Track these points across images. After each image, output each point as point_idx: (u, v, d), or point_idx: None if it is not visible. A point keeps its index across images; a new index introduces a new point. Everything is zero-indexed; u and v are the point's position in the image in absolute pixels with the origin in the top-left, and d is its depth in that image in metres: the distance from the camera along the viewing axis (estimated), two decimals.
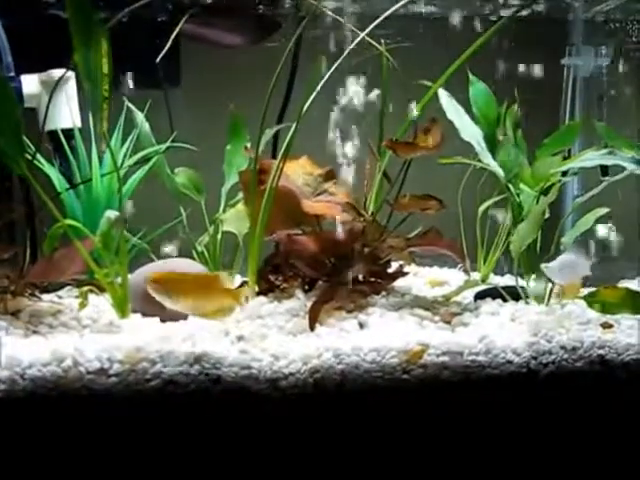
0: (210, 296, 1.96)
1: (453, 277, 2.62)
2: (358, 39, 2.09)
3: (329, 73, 2.06)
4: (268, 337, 1.85)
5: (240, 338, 1.84)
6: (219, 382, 1.72)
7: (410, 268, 2.55)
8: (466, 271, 2.39)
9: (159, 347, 1.74)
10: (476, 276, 2.64)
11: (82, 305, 2.01)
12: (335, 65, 2.05)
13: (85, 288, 2.02)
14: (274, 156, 2.56)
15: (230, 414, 1.73)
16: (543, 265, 2.10)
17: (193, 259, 2.36)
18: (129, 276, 2.10)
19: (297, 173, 2.17)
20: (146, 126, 2.42)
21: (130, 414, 1.69)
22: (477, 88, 2.45)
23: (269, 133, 2.39)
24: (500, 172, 2.19)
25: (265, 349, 1.77)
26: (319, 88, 2.09)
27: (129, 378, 1.69)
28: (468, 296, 2.31)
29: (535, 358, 1.86)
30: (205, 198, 2.54)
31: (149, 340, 1.78)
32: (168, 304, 1.93)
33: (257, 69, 2.14)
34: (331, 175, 2.17)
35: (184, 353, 1.73)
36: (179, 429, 1.71)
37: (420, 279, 2.58)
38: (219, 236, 2.48)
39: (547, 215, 2.33)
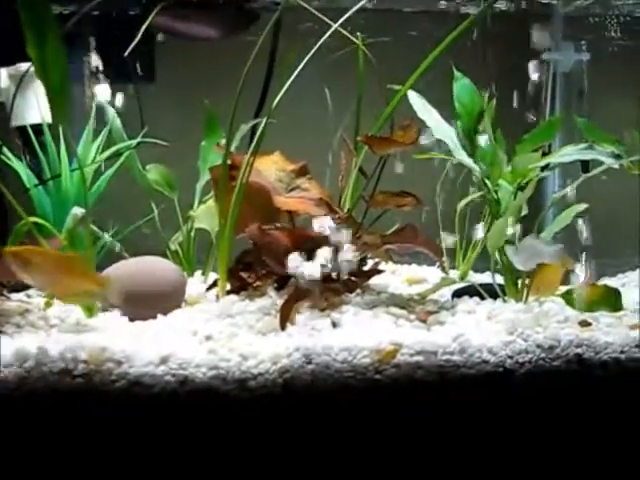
0: (71, 278, 1.86)
1: (431, 275, 2.58)
2: (330, 31, 2.04)
3: (301, 66, 2.00)
4: (237, 336, 1.80)
5: (208, 337, 1.80)
6: (186, 383, 1.67)
7: (387, 266, 2.52)
8: (444, 269, 2.34)
9: (125, 347, 1.70)
10: (455, 274, 2.60)
11: (48, 304, 1.97)
12: (307, 57, 2.00)
13: None
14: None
15: (198, 416, 1.69)
16: (507, 247, 2.05)
17: (166, 257, 2.31)
18: None
19: (270, 169, 2.12)
20: (117, 121, 2.38)
21: (95, 416, 1.65)
22: (461, 84, 2.41)
23: (244, 128, 2.36)
24: (476, 168, 2.15)
25: (233, 349, 1.73)
26: (290, 81, 2.03)
27: (94, 379, 1.65)
28: (446, 294, 2.27)
29: (511, 357, 1.82)
30: (181, 195, 2.50)
31: (115, 340, 1.74)
32: (27, 280, 1.86)
33: (236, 63, 2.08)
34: (304, 171, 2.13)
35: (150, 353, 1.69)
36: (145, 431, 1.67)
37: (397, 277, 2.54)
38: (192, 234, 2.44)
39: (525, 212, 2.29)
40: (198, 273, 2.49)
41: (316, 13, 2.22)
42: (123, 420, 1.66)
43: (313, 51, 2.01)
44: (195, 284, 2.34)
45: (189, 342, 1.79)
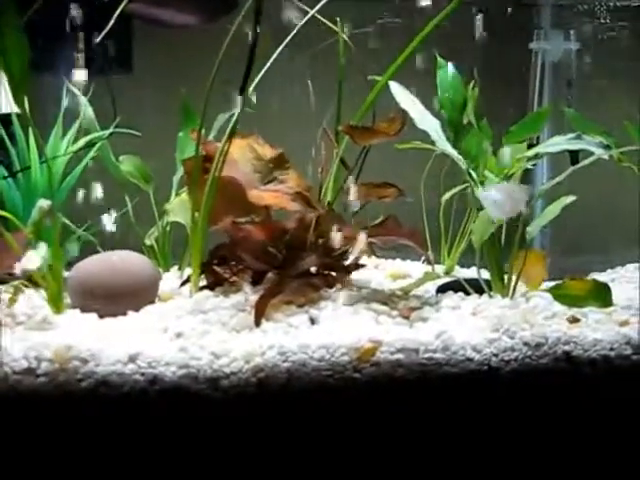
0: None
1: (416, 270, 2.50)
2: (307, 17, 1.96)
3: (276, 54, 1.93)
4: (209, 334, 1.73)
5: (179, 335, 1.73)
6: (155, 382, 1.61)
7: (371, 260, 2.44)
8: (429, 263, 2.27)
9: (91, 345, 1.64)
10: (440, 268, 2.53)
11: (12, 301, 1.89)
12: (283, 44, 1.92)
13: (15, 282, 1.89)
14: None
15: (168, 416, 1.63)
16: (480, 192, 1.96)
17: (142, 252, 2.23)
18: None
19: (246, 158, 2.04)
20: (90, 111, 2.29)
21: (60, 417, 1.59)
22: (445, 72, 2.35)
23: (222, 118, 2.28)
24: (460, 159, 2.07)
25: (205, 346, 1.66)
26: (266, 69, 1.95)
27: (59, 378, 1.59)
28: (431, 289, 2.20)
29: (496, 355, 1.75)
30: (160, 188, 2.42)
31: (81, 337, 1.68)
32: None
33: (218, 51, 2.01)
34: (282, 160, 2.04)
35: (118, 351, 1.63)
36: (113, 433, 1.61)
37: (381, 272, 2.46)
38: (168, 228, 2.36)
39: None
40: (175, 268, 2.40)
41: (295, 1, 2.14)
42: (90, 421, 1.60)
43: (289, 38, 1.93)
44: (171, 279, 2.26)
45: (159, 339, 1.72)
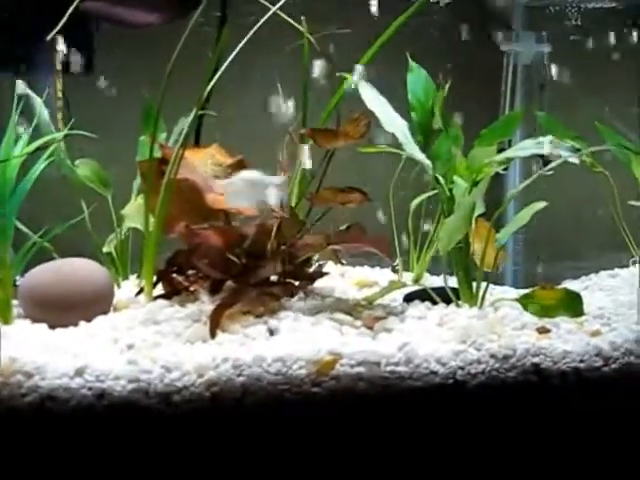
0: None
1: (384, 277, 2.43)
2: (268, 14, 1.89)
3: (235, 52, 1.86)
4: (161, 346, 1.65)
5: (130, 347, 1.65)
6: (103, 397, 1.53)
7: (336, 268, 2.37)
8: (395, 270, 2.20)
9: (37, 357, 1.57)
10: (410, 275, 2.46)
11: None
12: (243, 42, 1.85)
13: None
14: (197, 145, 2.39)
15: (117, 432, 1.55)
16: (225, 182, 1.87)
17: (99, 260, 2.14)
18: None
19: (205, 163, 1.96)
20: (45, 113, 2.21)
21: (2, 433, 1.51)
22: (416, 75, 2.29)
23: (183, 121, 2.21)
24: (428, 164, 2.00)
25: (156, 359, 1.57)
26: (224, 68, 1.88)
27: (2, 392, 1.51)
28: (398, 298, 2.12)
29: (462, 368, 1.68)
30: (122, 193, 2.33)
31: (28, 349, 1.61)
32: None
33: (184, 51, 1.93)
34: (242, 165, 1.97)
35: (64, 364, 1.55)
36: (59, 450, 1.53)
37: (347, 280, 2.38)
38: (127, 234, 2.28)
39: (482, 210, 2.15)
40: (134, 276, 2.32)
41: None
42: (34, 438, 1.52)
43: (249, 35, 1.86)
44: (129, 288, 2.18)
45: (108, 352, 1.65)
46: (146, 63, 2.56)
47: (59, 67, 2.41)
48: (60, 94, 2.39)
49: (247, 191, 1.80)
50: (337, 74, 2.13)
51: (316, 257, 2.15)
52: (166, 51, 2.31)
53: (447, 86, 2.24)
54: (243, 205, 1.83)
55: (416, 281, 2.40)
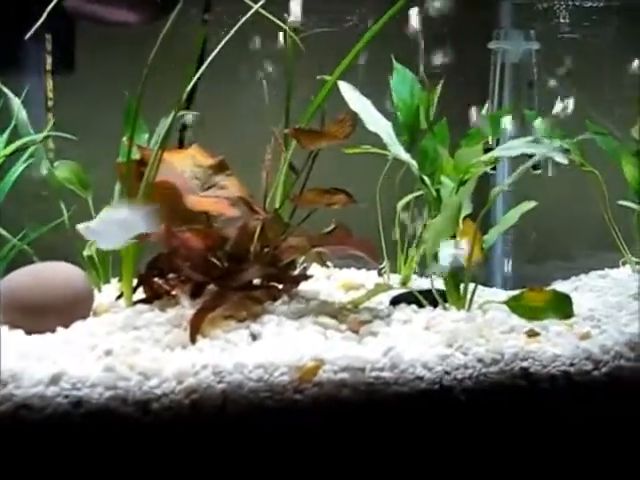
0: None
1: (371, 279, 2.39)
2: (250, 12, 1.85)
3: (215, 51, 1.82)
4: (140, 352, 1.60)
5: (108, 353, 1.60)
6: (80, 405, 1.49)
7: (322, 270, 2.33)
8: (381, 273, 2.16)
9: (12, 365, 1.52)
10: (397, 277, 2.42)
11: None
12: (223, 42, 1.80)
13: None
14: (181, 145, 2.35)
15: (94, 442, 1.50)
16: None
17: (79, 263, 2.10)
18: None
19: (185, 165, 1.92)
20: (23, 114, 2.17)
21: None
22: (401, 75, 2.27)
23: (165, 122, 2.16)
24: (413, 164, 1.96)
25: (134, 366, 1.53)
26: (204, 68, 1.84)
27: None
28: (384, 301, 2.08)
29: (449, 373, 1.63)
30: (106, 195, 2.29)
31: (2, 357, 1.55)
32: None
33: (169, 51, 1.89)
34: (223, 166, 1.92)
35: (40, 372, 1.50)
36: (34, 460, 1.48)
37: (333, 282, 2.34)
38: None
39: (469, 210, 2.12)
40: (116, 280, 2.27)
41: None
42: (9, 448, 1.47)
43: (230, 35, 1.81)
44: (110, 292, 2.13)
45: (85, 358, 1.60)
46: (135, 63, 2.53)
47: (48, 67, 2.37)
48: (50, 94, 2.34)
49: (115, 231, 1.73)
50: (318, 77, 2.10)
51: (301, 259, 2.10)
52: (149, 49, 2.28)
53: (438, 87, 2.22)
54: (115, 246, 1.77)
55: (403, 283, 2.36)
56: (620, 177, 2.57)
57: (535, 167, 2.48)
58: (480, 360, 1.66)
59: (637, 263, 2.58)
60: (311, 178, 2.05)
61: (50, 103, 2.41)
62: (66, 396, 1.49)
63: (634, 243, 2.57)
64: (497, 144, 2.42)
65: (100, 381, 1.51)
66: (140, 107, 1.90)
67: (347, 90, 1.99)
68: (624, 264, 2.65)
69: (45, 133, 2.19)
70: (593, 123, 2.46)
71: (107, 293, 2.12)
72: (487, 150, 2.16)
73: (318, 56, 2.14)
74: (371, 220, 2.43)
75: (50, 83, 2.43)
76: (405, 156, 1.96)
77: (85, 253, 2.24)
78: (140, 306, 1.87)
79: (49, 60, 2.48)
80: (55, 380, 1.50)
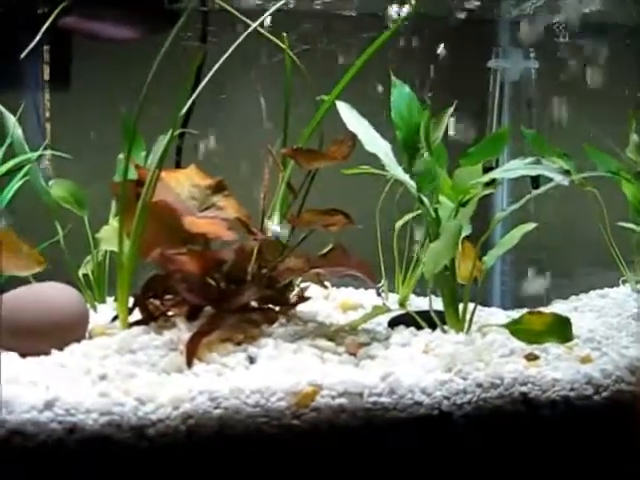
0: None
1: (369, 299, 2.37)
2: (248, 30, 1.84)
3: (216, 67, 1.80)
4: (136, 376, 1.58)
5: (103, 377, 1.58)
6: (75, 431, 1.46)
7: (320, 290, 2.31)
8: (379, 294, 2.14)
9: (4, 390, 1.49)
10: (394, 297, 2.40)
11: None
12: (222, 59, 1.79)
13: None
14: (178, 166, 2.34)
15: (88, 468, 1.47)
16: None
17: (74, 283, 2.08)
18: None
19: (182, 185, 1.90)
20: (18, 131, 2.15)
21: None
22: (400, 92, 2.25)
23: (162, 140, 2.14)
24: (411, 184, 1.95)
25: (129, 391, 1.51)
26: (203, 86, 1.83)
27: None
28: (382, 322, 2.06)
29: (448, 398, 1.61)
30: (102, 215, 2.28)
31: None
32: None
33: (169, 67, 1.88)
34: (221, 187, 1.90)
35: (33, 397, 1.48)
36: None
37: (331, 303, 2.32)
38: (104, 256, 2.22)
39: (469, 231, 2.10)
40: (112, 299, 2.26)
41: (237, 14, 2.02)
42: (2, 475, 1.44)
43: (229, 52, 1.80)
44: (106, 312, 2.11)
45: (79, 383, 1.57)
46: (137, 79, 2.52)
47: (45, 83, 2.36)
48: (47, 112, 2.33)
49: None
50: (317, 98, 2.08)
51: (299, 279, 2.08)
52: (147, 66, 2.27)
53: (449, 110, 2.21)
54: None
55: (401, 304, 2.35)
56: (619, 193, 2.56)
57: (535, 185, 2.46)
58: (479, 385, 1.64)
59: (637, 282, 2.56)
60: (309, 198, 2.04)
61: (46, 121, 2.39)
62: (60, 422, 1.46)
63: (633, 264, 2.55)
64: (497, 164, 2.40)
65: (95, 407, 1.48)
66: (137, 125, 1.88)
67: (345, 110, 1.98)
68: (624, 282, 2.64)
69: (39, 152, 2.17)
70: (591, 147, 2.45)
71: (103, 313, 2.09)
72: (487, 169, 2.13)
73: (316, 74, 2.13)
74: (370, 238, 2.42)
75: (47, 99, 2.41)
76: (404, 176, 1.94)
77: (81, 272, 2.23)
78: (136, 328, 1.84)
79: (46, 75, 2.47)
80: (49, 405, 1.47)
